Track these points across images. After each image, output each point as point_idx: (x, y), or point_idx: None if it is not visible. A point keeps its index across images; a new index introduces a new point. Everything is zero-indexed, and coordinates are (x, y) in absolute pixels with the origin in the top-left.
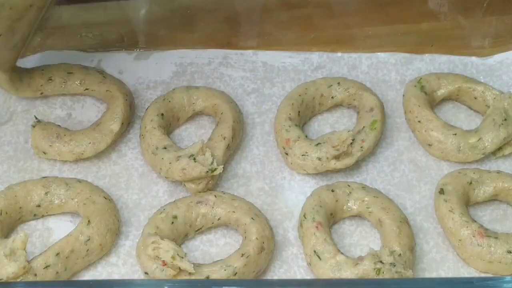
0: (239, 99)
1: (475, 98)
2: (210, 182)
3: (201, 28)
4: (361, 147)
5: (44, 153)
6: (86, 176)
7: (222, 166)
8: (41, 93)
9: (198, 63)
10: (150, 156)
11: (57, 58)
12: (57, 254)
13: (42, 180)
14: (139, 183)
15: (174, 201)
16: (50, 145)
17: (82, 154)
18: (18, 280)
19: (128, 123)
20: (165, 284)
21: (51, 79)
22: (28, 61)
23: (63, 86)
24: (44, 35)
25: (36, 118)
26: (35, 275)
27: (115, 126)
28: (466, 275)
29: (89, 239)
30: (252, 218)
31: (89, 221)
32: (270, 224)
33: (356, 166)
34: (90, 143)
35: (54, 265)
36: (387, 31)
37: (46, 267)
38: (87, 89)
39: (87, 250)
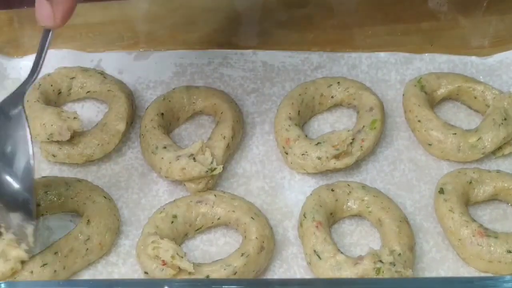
0: (239, 99)
1: (475, 97)
2: (210, 181)
3: (201, 28)
4: (361, 146)
5: (54, 156)
6: (86, 175)
7: (222, 165)
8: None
9: (198, 63)
10: (150, 155)
11: (57, 58)
12: (55, 253)
13: (42, 179)
14: (139, 183)
15: (174, 200)
16: (60, 148)
17: (92, 156)
18: (14, 278)
19: (131, 123)
20: (165, 284)
21: (60, 92)
22: (28, 61)
23: (69, 95)
24: None
25: None
26: (31, 272)
27: (121, 126)
28: (466, 274)
29: (88, 239)
30: (252, 217)
31: (88, 220)
32: (270, 224)
33: (356, 165)
34: (98, 144)
35: (52, 264)
36: (387, 31)
37: (44, 265)
38: (88, 91)
39: (87, 249)
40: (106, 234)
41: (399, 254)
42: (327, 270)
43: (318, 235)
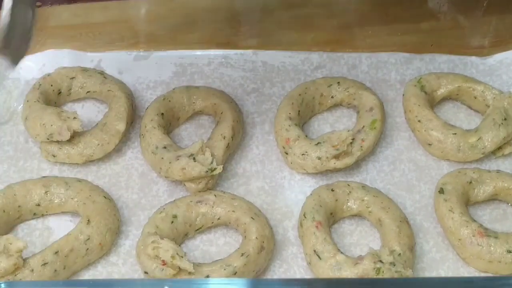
0: (239, 98)
1: (475, 97)
2: (210, 181)
3: (201, 28)
4: (361, 146)
5: (54, 156)
6: (86, 175)
7: (222, 165)
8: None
9: (198, 64)
10: (150, 155)
11: (57, 58)
12: (56, 252)
13: (42, 179)
14: (139, 183)
15: (174, 200)
16: (60, 148)
17: (92, 156)
18: (15, 275)
19: (131, 123)
20: (165, 284)
21: (60, 92)
22: (28, 61)
23: (69, 95)
24: (44, 35)
25: None
26: (32, 270)
27: (121, 126)
28: (466, 274)
29: (88, 239)
30: (252, 217)
31: (88, 220)
32: (270, 224)
33: (356, 165)
34: (98, 144)
35: (52, 263)
36: (387, 31)
37: (44, 264)
38: (88, 91)
39: (87, 249)
40: (106, 234)
41: (399, 254)
42: (327, 270)
43: (318, 235)
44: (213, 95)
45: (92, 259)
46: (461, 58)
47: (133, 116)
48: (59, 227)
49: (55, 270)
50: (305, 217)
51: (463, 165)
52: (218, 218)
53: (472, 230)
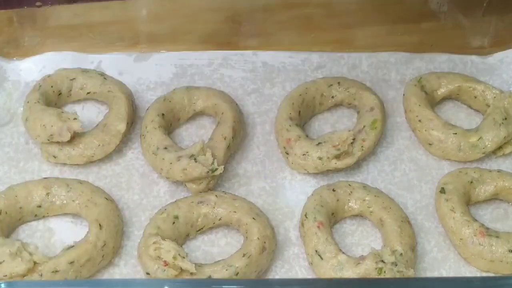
0: (239, 99)
1: (475, 97)
2: (211, 182)
3: (201, 28)
4: (362, 146)
5: (54, 157)
6: (87, 176)
7: (223, 166)
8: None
9: (198, 64)
10: (151, 156)
11: (57, 60)
12: (71, 262)
13: (43, 180)
14: (140, 183)
15: (175, 201)
16: (60, 149)
17: (93, 156)
18: (23, 277)
19: (131, 123)
20: (165, 284)
21: (60, 93)
22: (28, 63)
23: (69, 96)
24: (44, 35)
25: None
26: (41, 275)
27: (121, 127)
28: (467, 274)
29: (105, 244)
30: (253, 218)
31: (100, 225)
32: (271, 224)
33: (357, 165)
34: (99, 145)
35: (64, 272)
36: (387, 31)
37: (55, 271)
38: (88, 92)
39: (103, 255)
40: (116, 236)
41: (401, 254)
42: (329, 270)
43: (319, 235)
44: (214, 95)
45: (103, 264)
46: (461, 58)
47: (134, 117)
48: (60, 229)
49: (65, 278)
50: (307, 217)
51: (464, 164)
52: (220, 219)
53: (473, 230)
